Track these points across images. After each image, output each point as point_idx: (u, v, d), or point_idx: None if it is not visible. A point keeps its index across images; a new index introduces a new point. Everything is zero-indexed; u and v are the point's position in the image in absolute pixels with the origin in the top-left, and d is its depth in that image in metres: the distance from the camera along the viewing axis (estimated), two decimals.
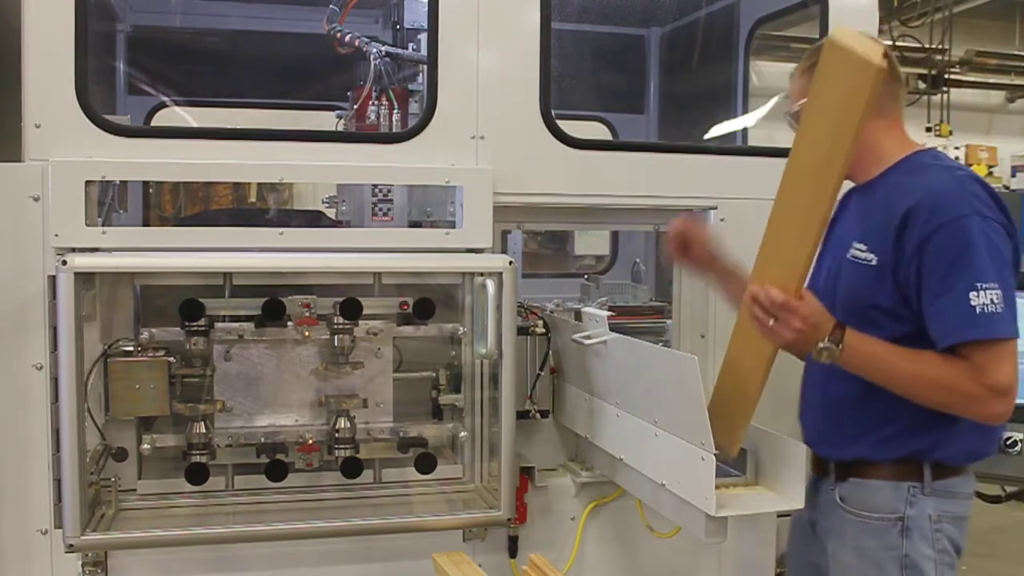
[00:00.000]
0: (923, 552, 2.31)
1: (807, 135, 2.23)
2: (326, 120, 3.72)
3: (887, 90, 2.27)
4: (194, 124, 4.03)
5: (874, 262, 2.30)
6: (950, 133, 12.75)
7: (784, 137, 3.27)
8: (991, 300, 2.12)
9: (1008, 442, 2.88)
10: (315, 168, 2.97)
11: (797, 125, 2.36)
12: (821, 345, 2.17)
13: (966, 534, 2.38)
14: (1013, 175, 11.39)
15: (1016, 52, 13.03)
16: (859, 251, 2.34)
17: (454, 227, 3.01)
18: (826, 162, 2.15)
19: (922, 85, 12.64)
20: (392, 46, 3.38)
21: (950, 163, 2.41)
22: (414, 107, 3.31)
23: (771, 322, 2.19)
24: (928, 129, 12.80)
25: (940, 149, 10.45)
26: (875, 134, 2.36)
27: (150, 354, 2.73)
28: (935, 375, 2.16)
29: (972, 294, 2.12)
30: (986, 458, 2.41)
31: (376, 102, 3.22)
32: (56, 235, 2.69)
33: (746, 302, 2.26)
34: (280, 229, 2.89)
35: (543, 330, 3.18)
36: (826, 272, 2.48)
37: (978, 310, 2.11)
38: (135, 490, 2.88)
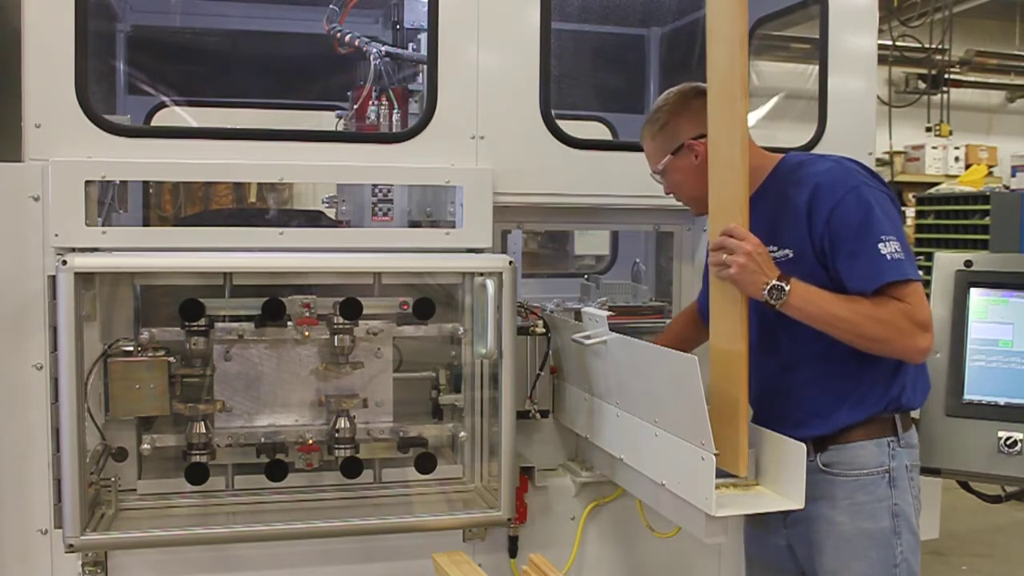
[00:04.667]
0: (906, 500, 2.51)
1: (713, 71, 2.49)
2: (326, 120, 3.72)
3: None
4: (194, 124, 4.03)
5: (791, 255, 2.48)
6: (950, 133, 12.75)
7: (784, 137, 3.29)
8: (895, 249, 2.35)
9: (1008, 442, 2.88)
10: (315, 168, 2.97)
11: (664, 182, 2.73)
12: (772, 283, 2.33)
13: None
14: (1013, 175, 11.34)
15: (1016, 52, 13.01)
16: (771, 252, 2.48)
17: (454, 227, 3.01)
18: (729, 82, 2.42)
19: (922, 85, 12.65)
20: (392, 46, 3.38)
21: (819, 154, 2.67)
22: (414, 107, 3.31)
23: (723, 256, 2.38)
24: (928, 129, 12.80)
25: (942, 149, 10.32)
26: None
27: (150, 354, 2.74)
28: (871, 311, 2.34)
29: (880, 245, 2.35)
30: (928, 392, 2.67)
31: (376, 102, 3.22)
32: (56, 235, 2.69)
33: (710, 267, 2.46)
34: (280, 229, 2.89)
35: (543, 330, 3.18)
36: None
37: (888, 257, 2.34)
38: (135, 490, 2.88)
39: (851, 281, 2.38)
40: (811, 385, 2.52)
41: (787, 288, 2.32)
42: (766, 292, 2.33)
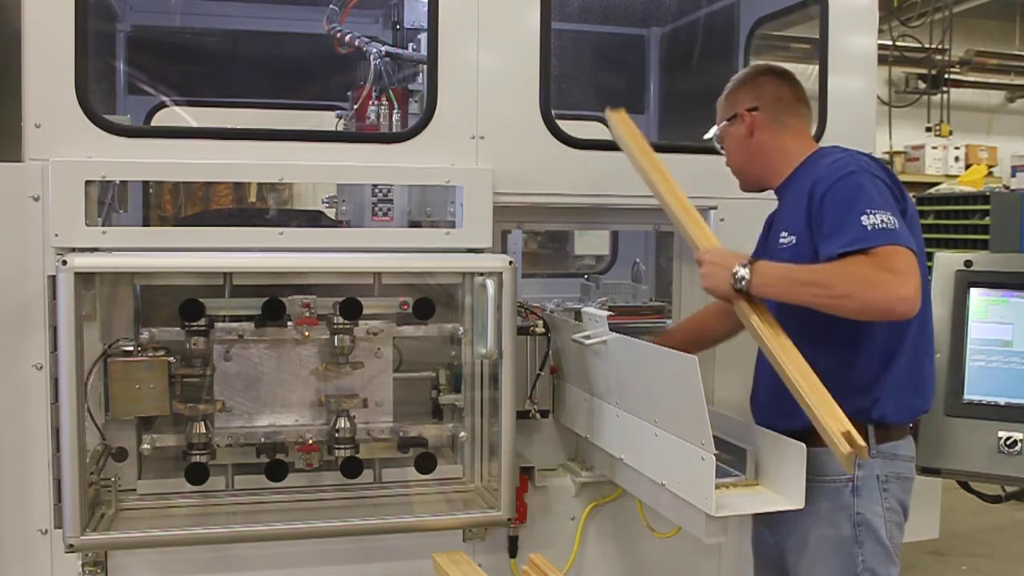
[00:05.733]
0: (873, 509, 2.48)
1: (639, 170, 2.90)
2: (326, 120, 3.72)
3: (786, 108, 2.69)
4: (194, 124, 4.03)
5: (795, 240, 2.50)
6: (950, 133, 12.74)
7: None
8: (882, 220, 2.26)
9: (1008, 442, 2.88)
10: (315, 168, 2.97)
11: (722, 150, 2.81)
12: (733, 270, 2.38)
13: (911, 495, 2.57)
14: (1013, 175, 11.34)
15: (1016, 52, 12.99)
16: (783, 239, 2.55)
17: (454, 227, 3.01)
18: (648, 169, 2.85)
19: (922, 85, 12.64)
20: (392, 46, 3.38)
21: (845, 148, 2.61)
22: (414, 107, 3.31)
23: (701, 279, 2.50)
24: (928, 129, 12.79)
25: (942, 149, 10.25)
26: (782, 141, 2.68)
27: (150, 354, 2.74)
28: (834, 267, 2.27)
29: (863, 218, 2.27)
30: (923, 414, 2.62)
31: (376, 102, 3.22)
32: (56, 235, 2.69)
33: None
34: (280, 229, 2.89)
35: (543, 330, 3.18)
36: None
37: (870, 228, 2.26)
38: (135, 490, 2.88)
39: (825, 248, 2.32)
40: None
41: (747, 269, 2.36)
42: (731, 280, 2.39)
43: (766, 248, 2.74)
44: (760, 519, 2.68)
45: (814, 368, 2.35)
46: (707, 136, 2.85)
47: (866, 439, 2.39)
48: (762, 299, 2.42)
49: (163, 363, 2.73)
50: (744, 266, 2.38)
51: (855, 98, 3.48)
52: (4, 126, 2.94)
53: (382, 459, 3.03)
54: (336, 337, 2.84)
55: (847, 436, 2.19)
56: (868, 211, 2.27)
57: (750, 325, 2.42)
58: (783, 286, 2.35)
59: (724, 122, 2.76)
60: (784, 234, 2.53)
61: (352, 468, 2.85)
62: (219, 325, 2.82)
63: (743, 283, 2.37)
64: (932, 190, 10.03)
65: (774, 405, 2.55)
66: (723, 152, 2.83)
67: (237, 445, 2.87)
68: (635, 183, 3.21)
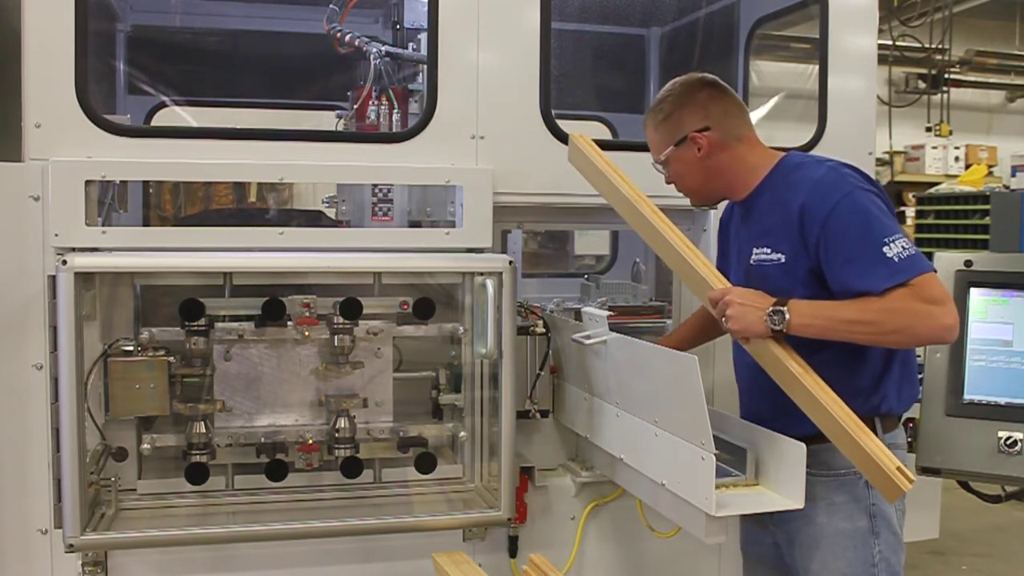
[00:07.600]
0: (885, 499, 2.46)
1: (611, 202, 2.84)
2: (326, 120, 3.72)
3: (736, 119, 2.61)
4: (194, 124, 4.03)
5: (783, 259, 2.46)
6: (950, 133, 12.73)
7: (784, 136, 3.29)
8: (902, 247, 2.29)
9: (1008, 442, 2.88)
10: (315, 168, 2.97)
11: (665, 172, 2.71)
12: (769, 309, 2.31)
13: None
14: (1013, 175, 11.34)
15: (1016, 52, 12.99)
16: (764, 254, 2.50)
17: (454, 227, 3.01)
18: (622, 206, 2.77)
19: (922, 85, 12.64)
20: (392, 46, 3.38)
21: (817, 157, 2.62)
22: (414, 107, 3.31)
23: (724, 321, 2.40)
24: (928, 129, 12.78)
25: (942, 149, 10.29)
26: (742, 155, 2.61)
27: (150, 354, 2.74)
28: (881, 305, 2.27)
29: (884, 249, 2.29)
30: (916, 401, 2.68)
31: (376, 102, 3.22)
32: (56, 235, 2.69)
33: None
34: (280, 229, 2.90)
35: (543, 330, 3.18)
36: (735, 284, 2.55)
37: (896, 259, 2.28)
38: (135, 490, 2.88)
39: (855, 287, 2.31)
40: None
41: (785, 308, 2.30)
42: (767, 321, 2.31)
43: (727, 257, 2.76)
44: (754, 518, 2.67)
45: (828, 366, 2.36)
46: (652, 163, 2.73)
47: (874, 431, 2.41)
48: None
49: (163, 363, 2.73)
50: (780, 304, 2.31)
51: (855, 98, 3.48)
52: (4, 126, 2.94)
53: (382, 459, 3.03)
54: (336, 337, 2.84)
55: (901, 471, 2.21)
56: (886, 240, 2.29)
57: (781, 367, 2.35)
58: (824, 324, 2.31)
59: (670, 147, 2.62)
60: (766, 250, 2.49)
61: (352, 468, 2.85)
62: (219, 325, 2.82)
63: (782, 323, 2.30)
64: (932, 190, 10.05)
65: (775, 416, 2.52)
66: (665, 174, 2.71)
67: (237, 445, 2.87)
68: (635, 183, 3.21)
